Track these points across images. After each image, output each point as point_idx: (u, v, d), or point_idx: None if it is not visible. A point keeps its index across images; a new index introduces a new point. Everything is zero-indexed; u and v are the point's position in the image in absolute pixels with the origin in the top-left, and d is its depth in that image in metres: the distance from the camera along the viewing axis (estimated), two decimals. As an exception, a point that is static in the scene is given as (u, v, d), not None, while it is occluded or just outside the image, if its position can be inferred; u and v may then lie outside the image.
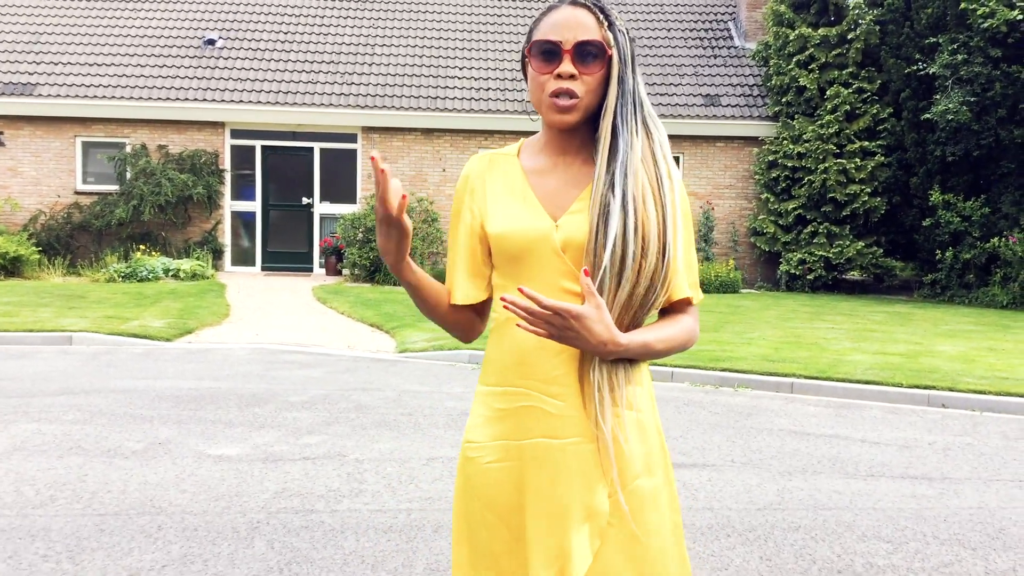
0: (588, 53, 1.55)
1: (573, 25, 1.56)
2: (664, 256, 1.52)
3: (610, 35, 1.57)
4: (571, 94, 1.55)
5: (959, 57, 13.57)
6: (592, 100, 1.57)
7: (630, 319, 1.54)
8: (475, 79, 16.41)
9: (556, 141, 1.64)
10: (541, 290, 1.56)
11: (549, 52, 1.56)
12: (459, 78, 16.40)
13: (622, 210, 1.50)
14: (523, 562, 1.59)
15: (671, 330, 1.59)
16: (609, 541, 1.54)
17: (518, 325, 1.52)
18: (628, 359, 1.55)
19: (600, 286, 1.51)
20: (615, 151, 1.54)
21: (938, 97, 14.03)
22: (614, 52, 1.56)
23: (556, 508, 1.55)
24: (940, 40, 14.08)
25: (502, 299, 1.44)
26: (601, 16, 1.57)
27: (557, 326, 1.45)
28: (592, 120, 1.60)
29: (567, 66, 1.54)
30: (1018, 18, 13.03)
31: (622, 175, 1.52)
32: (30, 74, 15.50)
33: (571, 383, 1.56)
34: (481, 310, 1.75)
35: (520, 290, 1.43)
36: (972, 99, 13.58)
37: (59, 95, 15.17)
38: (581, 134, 1.62)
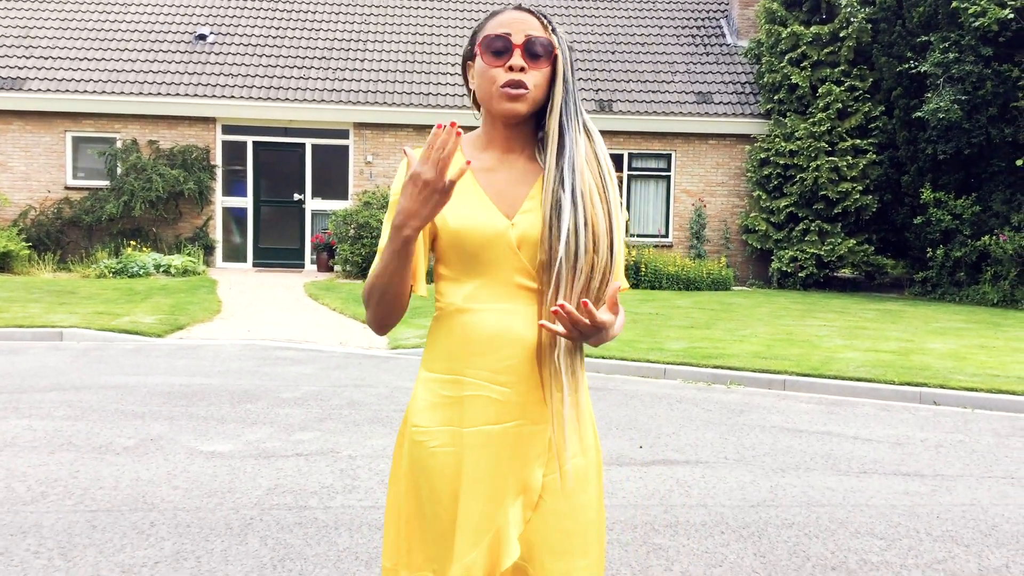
0: (536, 51, 1.61)
1: (520, 23, 1.62)
2: (612, 251, 1.59)
3: (554, 38, 1.63)
4: (523, 85, 1.59)
5: (950, 55, 13.61)
6: (539, 95, 1.62)
7: None
8: (468, 75, 16.37)
9: (500, 138, 1.68)
10: (497, 286, 1.61)
11: (500, 47, 1.61)
12: (451, 74, 16.37)
13: (572, 204, 1.56)
14: (451, 547, 1.60)
15: (619, 319, 1.66)
16: (540, 512, 1.60)
17: (544, 324, 1.51)
18: (580, 346, 1.62)
19: (557, 278, 1.55)
20: (562, 148, 1.60)
21: (929, 95, 14.07)
22: (559, 52, 1.62)
23: (491, 489, 1.60)
24: (932, 38, 14.12)
25: (561, 307, 1.45)
26: (544, 20, 1.64)
27: (585, 332, 1.50)
28: (534, 118, 1.66)
29: (518, 59, 1.60)
30: (1009, 17, 13.08)
31: (570, 171, 1.58)
32: (20, 68, 15.40)
33: (519, 371, 1.60)
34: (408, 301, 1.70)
35: (561, 306, 1.46)
36: (963, 97, 13.62)
37: (49, 90, 15.08)
38: (524, 131, 1.67)
